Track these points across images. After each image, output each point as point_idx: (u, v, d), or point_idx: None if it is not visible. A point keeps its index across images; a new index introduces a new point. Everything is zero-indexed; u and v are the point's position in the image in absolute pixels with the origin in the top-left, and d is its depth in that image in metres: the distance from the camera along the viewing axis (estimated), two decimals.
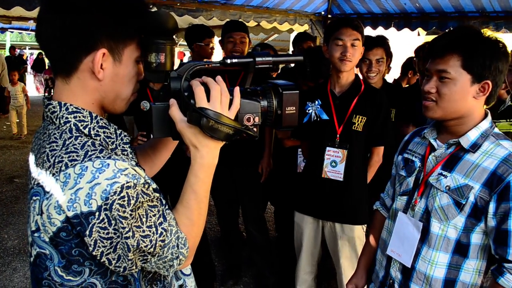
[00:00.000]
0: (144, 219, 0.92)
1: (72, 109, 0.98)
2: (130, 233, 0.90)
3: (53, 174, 0.90)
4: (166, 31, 1.02)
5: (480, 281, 1.42)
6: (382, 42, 2.95)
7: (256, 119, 1.03)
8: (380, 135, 2.47)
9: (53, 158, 0.91)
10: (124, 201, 0.88)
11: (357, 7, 4.93)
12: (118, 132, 1.04)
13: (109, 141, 1.01)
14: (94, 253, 0.89)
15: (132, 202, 0.89)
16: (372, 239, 1.82)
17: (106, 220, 0.88)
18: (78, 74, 0.98)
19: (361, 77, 2.83)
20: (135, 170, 0.92)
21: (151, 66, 1.02)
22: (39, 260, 0.95)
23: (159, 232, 0.95)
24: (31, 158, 1.02)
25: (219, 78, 1.01)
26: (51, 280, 0.94)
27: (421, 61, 2.75)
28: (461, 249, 1.40)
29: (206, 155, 1.01)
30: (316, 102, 2.47)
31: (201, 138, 0.99)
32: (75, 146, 0.92)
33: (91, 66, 0.96)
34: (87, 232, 0.88)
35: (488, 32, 1.38)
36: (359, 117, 2.40)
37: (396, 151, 1.75)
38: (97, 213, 0.87)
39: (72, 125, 0.96)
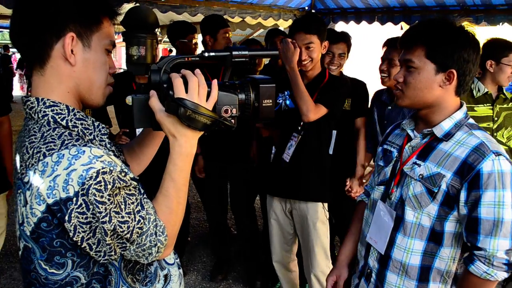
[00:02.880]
0: (122, 206, 0.95)
1: (49, 103, 1.01)
2: (107, 218, 0.92)
3: (32, 165, 0.93)
4: (147, 25, 1.08)
5: (454, 267, 1.45)
6: (346, 38, 3.09)
7: (234, 110, 1.08)
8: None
9: (32, 149, 0.95)
10: (100, 186, 0.91)
11: (341, 2, 4.96)
12: (96, 124, 1.07)
13: (87, 132, 1.04)
14: (75, 238, 0.92)
15: (109, 187, 0.92)
16: (354, 230, 1.82)
17: (84, 205, 0.90)
18: (51, 62, 1.01)
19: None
20: (111, 158, 0.96)
21: (132, 59, 1.07)
22: (26, 252, 0.98)
23: (136, 219, 0.97)
24: (17, 158, 1.04)
25: (197, 71, 1.04)
26: (36, 273, 0.97)
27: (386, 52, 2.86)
28: (435, 237, 1.43)
29: (184, 144, 1.04)
30: (286, 92, 2.63)
31: (179, 128, 1.02)
32: (52, 136, 0.96)
33: (63, 52, 1.00)
34: (67, 218, 0.90)
35: (460, 23, 1.41)
36: None
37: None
38: (74, 199, 0.90)
39: (50, 118, 1.00)
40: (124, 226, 0.95)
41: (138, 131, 2.80)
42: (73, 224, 0.91)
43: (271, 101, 1.10)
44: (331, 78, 2.64)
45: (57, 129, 0.98)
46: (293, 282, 2.99)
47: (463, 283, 1.41)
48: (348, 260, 1.80)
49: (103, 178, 0.91)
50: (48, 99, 1.01)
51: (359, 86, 3.20)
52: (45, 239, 0.94)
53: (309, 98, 2.40)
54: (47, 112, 1.00)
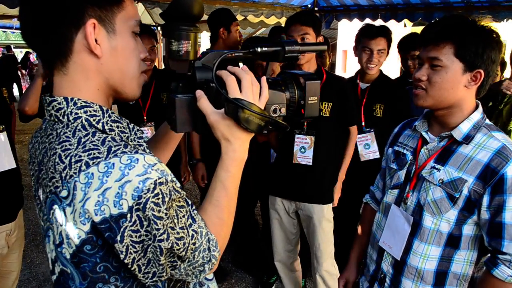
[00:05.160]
0: (175, 220, 0.84)
1: (81, 103, 0.88)
2: (165, 235, 0.80)
3: (71, 176, 0.79)
4: (191, 16, 0.95)
5: (471, 271, 1.43)
6: (385, 32, 2.88)
7: (283, 110, 1.00)
8: (351, 116, 2.65)
9: (69, 158, 0.80)
10: (158, 199, 0.79)
11: None
12: (131, 126, 0.95)
13: (124, 136, 0.92)
14: (126, 260, 0.80)
15: (166, 199, 0.81)
16: (362, 232, 1.82)
17: (138, 221, 0.78)
18: (74, 57, 0.88)
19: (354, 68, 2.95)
20: (163, 166, 0.84)
21: (177, 55, 0.95)
22: (63, 278, 0.86)
23: (190, 234, 0.86)
24: (33, 165, 0.93)
25: (245, 67, 0.96)
26: None
27: (403, 52, 2.82)
28: (453, 241, 1.41)
29: (239, 148, 0.96)
30: None
31: (234, 131, 0.94)
32: (94, 143, 0.82)
33: (86, 44, 0.87)
34: (118, 238, 0.78)
35: (482, 21, 1.37)
36: (325, 103, 2.53)
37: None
38: (128, 215, 0.77)
39: (84, 121, 0.87)
40: (181, 243, 0.84)
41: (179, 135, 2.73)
42: (126, 245, 0.78)
43: (316, 98, 1.02)
44: (330, 77, 2.60)
45: (97, 134, 0.85)
46: (296, 280, 2.99)
47: (484, 286, 1.38)
48: (357, 262, 1.82)
49: (160, 190, 0.79)
50: (79, 99, 0.88)
51: (395, 91, 2.94)
52: (88, 264, 0.82)
53: None
54: (80, 114, 0.87)
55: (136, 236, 0.79)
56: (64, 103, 0.88)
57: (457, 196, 1.36)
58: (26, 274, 3.67)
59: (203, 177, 3.22)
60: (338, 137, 2.67)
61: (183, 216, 0.86)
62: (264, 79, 0.97)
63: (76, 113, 0.87)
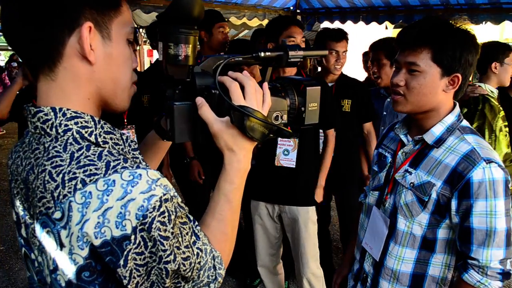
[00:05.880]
0: (180, 239, 0.77)
1: (71, 114, 0.79)
2: (172, 256, 0.74)
3: (65, 196, 0.71)
4: (191, 18, 0.87)
5: (450, 275, 1.42)
6: (346, 35, 3.08)
7: (284, 117, 0.96)
8: (330, 119, 2.67)
9: (61, 175, 0.72)
10: (164, 217, 0.72)
11: (326, 1, 4.95)
12: (124, 137, 0.86)
13: (118, 148, 0.83)
14: (129, 286, 0.73)
15: (172, 217, 0.74)
16: (355, 230, 1.82)
17: (142, 243, 0.71)
18: (64, 63, 0.79)
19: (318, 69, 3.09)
20: (166, 181, 0.77)
21: (176, 60, 0.87)
22: None
23: (195, 253, 0.80)
24: (16, 183, 0.84)
25: (247, 73, 0.91)
26: None
27: (373, 54, 2.94)
28: (427, 245, 1.40)
29: (243, 158, 0.91)
30: None
31: (239, 140, 0.88)
32: (89, 157, 0.74)
33: (79, 48, 0.78)
34: (122, 262, 0.70)
35: (458, 22, 1.35)
36: None
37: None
38: (132, 237, 0.70)
39: (75, 133, 0.78)
40: (187, 263, 0.77)
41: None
42: (129, 269, 0.71)
43: (316, 104, 0.98)
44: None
45: (92, 147, 0.76)
46: (280, 284, 2.98)
47: None
48: (351, 259, 1.82)
49: (166, 207, 0.73)
50: (68, 109, 0.79)
51: (360, 88, 3.16)
52: None
53: None
54: (70, 126, 0.78)
55: (140, 259, 0.72)
56: (52, 114, 0.79)
57: (426, 200, 1.35)
58: (5, 281, 3.59)
59: (199, 173, 3.18)
60: (318, 140, 2.69)
61: (187, 233, 0.80)
62: (265, 85, 0.93)
63: (66, 125, 0.78)
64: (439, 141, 1.38)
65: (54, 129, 0.78)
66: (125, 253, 0.70)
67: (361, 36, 7.19)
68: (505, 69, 2.82)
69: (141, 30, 7.28)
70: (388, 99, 2.88)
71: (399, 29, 1.49)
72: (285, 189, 2.59)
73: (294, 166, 2.54)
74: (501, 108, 2.72)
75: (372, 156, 1.75)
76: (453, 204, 1.31)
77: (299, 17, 5.13)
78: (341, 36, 3.02)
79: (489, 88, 2.77)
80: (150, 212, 0.71)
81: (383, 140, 1.66)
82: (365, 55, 4.84)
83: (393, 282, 1.47)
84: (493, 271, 1.29)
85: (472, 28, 1.37)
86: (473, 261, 1.31)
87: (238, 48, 3.11)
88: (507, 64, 2.81)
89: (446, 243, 1.39)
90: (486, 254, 1.29)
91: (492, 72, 2.79)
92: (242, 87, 0.88)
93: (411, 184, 1.39)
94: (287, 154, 2.55)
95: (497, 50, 2.79)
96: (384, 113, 2.90)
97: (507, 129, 2.71)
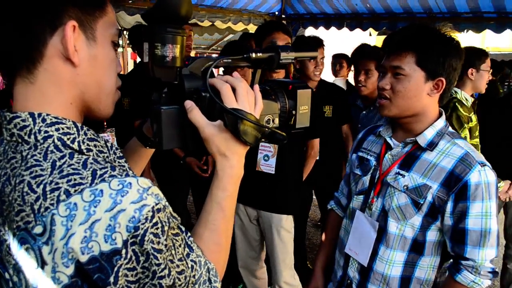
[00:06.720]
0: (173, 251, 0.72)
1: (51, 119, 0.73)
2: (166, 271, 0.69)
3: (46, 209, 0.64)
4: (179, 17, 0.83)
5: (433, 276, 1.44)
6: (322, 42, 3.17)
7: (276, 120, 0.93)
8: (313, 129, 2.59)
9: (42, 186, 0.66)
10: (157, 228, 0.67)
11: (310, 7, 4.97)
12: (109, 144, 0.81)
13: (103, 156, 0.77)
14: None
15: (166, 228, 0.69)
16: (326, 239, 1.81)
17: (134, 257, 0.65)
18: (44, 64, 0.74)
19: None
20: (157, 190, 0.72)
21: (163, 61, 0.83)
22: None
23: (189, 265, 0.75)
24: None
25: (237, 74, 0.88)
26: None
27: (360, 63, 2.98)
28: (417, 247, 1.42)
29: (237, 164, 0.86)
30: None
31: (232, 145, 0.84)
32: (73, 166, 0.68)
33: (61, 49, 0.73)
34: (112, 279, 0.64)
35: (442, 29, 1.39)
36: None
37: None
38: (123, 251, 0.64)
39: (56, 140, 0.72)
40: (182, 277, 0.72)
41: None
42: (120, 287, 0.65)
43: (307, 107, 0.96)
44: None
45: (75, 155, 0.70)
46: None
47: None
48: (323, 269, 1.80)
49: (159, 218, 0.68)
50: (48, 114, 0.73)
51: (339, 93, 3.24)
52: None
53: None
54: (51, 133, 0.72)
55: (132, 275, 0.66)
56: (30, 119, 0.72)
57: (422, 202, 1.37)
58: None
59: (199, 167, 3.18)
60: (301, 148, 2.68)
61: (179, 245, 0.74)
62: (256, 87, 0.89)
63: (46, 131, 0.72)
64: (432, 144, 1.40)
65: (32, 136, 0.72)
66: (116, 269, 0.64)
67: (346, 42, 7.25)
68: (481, 75, 2.81)
69: (125, 32, 7.22)
70: (364, 112, 2.90)
71: (383, 36, 1.51)
72: (263, 194, 2.58)
73: (273, 172, 2.52)
74: (472, 118, 2.69)
75: (348, 160, 1.75)
76: (449, 206, 1.34)
77: (284, 22, 5.14)
78: (318, 43, 3.10)
79: (464, 96, 2.76)
80: (142, 224, 0.65)
81: (361, 144, 1.66)
82: (335, 57, 4.94)
83: (383, 287, 1.47)
84: (486, 270, 1.33)
85: (456, 35, 1.39)
86: (467, 261, 1.34)
87: (231, 50, 3.08)
88: (484, 70, 2.80)
89: (433, 245, 1.41)
90: (481, 254, 1.32)
91: (468, 78, 2.79)
92: (234, 90, 0.85)
93: (405, 187, 1.40)
94: (267, 159, 2.54)
95: (473, 57, 2.78)
96: (359, 125, 2.91)
97: (475, 140, 2.70)
